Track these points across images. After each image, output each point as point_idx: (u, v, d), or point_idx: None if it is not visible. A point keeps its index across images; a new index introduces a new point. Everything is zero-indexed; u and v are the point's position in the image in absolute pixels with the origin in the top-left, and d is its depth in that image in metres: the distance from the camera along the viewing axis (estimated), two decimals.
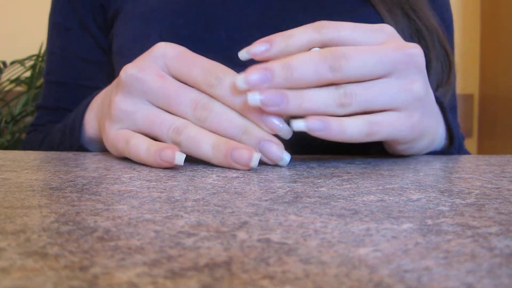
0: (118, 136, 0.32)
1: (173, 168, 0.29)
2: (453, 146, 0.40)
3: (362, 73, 0.28)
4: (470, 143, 1.56)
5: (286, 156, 0.30)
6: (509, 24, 1.47)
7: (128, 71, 0.31)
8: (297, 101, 0.28)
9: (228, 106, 0.30)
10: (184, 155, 0.28)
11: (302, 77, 0.28)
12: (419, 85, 0.30)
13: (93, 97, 0.40)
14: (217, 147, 0.29)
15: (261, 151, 0.29)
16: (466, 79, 1.58)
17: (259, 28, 0.45)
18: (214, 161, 0.29)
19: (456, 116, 0.55)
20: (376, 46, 0.29)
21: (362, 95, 0.28)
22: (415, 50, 0.29)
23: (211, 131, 0.30)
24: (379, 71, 0.28)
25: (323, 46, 0.29)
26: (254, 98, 0.28)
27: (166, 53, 0.31)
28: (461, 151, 0.42)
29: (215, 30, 0.45)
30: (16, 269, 0.12)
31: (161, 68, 0.31)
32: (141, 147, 0.30)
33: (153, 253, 0.13)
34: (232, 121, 0.29)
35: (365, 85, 0.29)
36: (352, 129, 0.29)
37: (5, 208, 0.18)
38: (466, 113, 1.57)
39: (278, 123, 0.29)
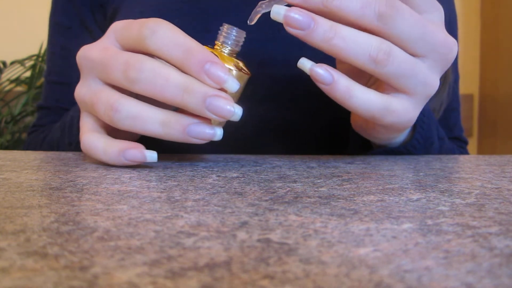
0: (80, 133, 0.30)
1: (173, 168, 0.29)
2: (414, 138, 0.38)
3: (405, 37, 0.26)
4: (470, 143, 1.56)
5: (238, 110, 0.26)
6: (509, 24, 1.47)
7: (79, 52, 0.30)
8: (327, 31, 0.25)
9: (165, 60, 0.26)
10: (156, 153, 0.27)
11: (343, 8, 0.25)
12: (437, 83, 0.29)
13: None
14: (168, 125, 0.26)
15: (208, 109, 0.25)
16: (466, 79, 1.58)
17: (256, 28, 0.45)
18: (166, 138, 0.27)
19: (459, 117, 0.55)
20: (428, 21, 0.27)
21: (400, 62, 0.27)
22: (455, 47, 0.29)
23: (146, 95, 0.26)
24: (420, 47, 0.27)
25: None
26: (278, 12, 0.26)
27: (115, 27, 0.29)
28: (430, 149, 0.40)
29: (212, 30, 0.45)
30: (16, 269, 0.12)
31: (112, 43, 0.29)
32: (97, 148, 0.28)
33: (153, 253, 0.13)
34: (169, 79, 0.25)
35: (406, 55, 0.27)
36: (360, 100, 0.27)
37: (5, 208, 0.18)
38: (466, 113, 1.57)
39: (223, 75, 0.25)
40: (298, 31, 0.26)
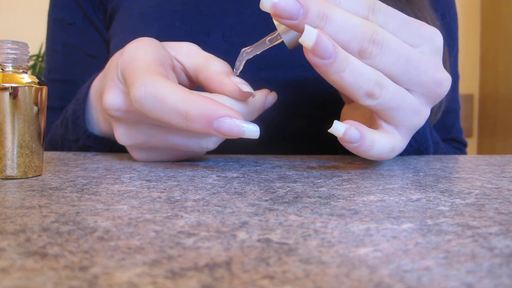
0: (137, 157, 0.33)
1: (173, 168, 0.29)
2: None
3: (387, 72, 0.26)
4: (470, 143, 1.56)
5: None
6: (509, 24, 1.47)
7: (108, 105, 0.30)
8: (342, 63, 0.25)
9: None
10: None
11: (334, 37, 0.25)
12: (427, 113, 0.29)
13: (91, 83, 0.39)
14: None
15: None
16: (466, 79, 1.58)
17: (255, 32, 0.45)
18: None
19: (458, 118, 0.55)
20: (417, 55, 0.27)
21: (391, 94, 0.27)
22: (446, 83, 0.28)
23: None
24: (405, 82, 0.27)
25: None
26: (310, 34, 0.24)
27: (118, 64, 0.30)
28: (425, 149, 0.41)
29: (212, 33, 0.45)
30: (16, 269, 0.12)
31: (123, 82, 0.30)
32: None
33: (153, 253, 0.13)
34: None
35: (396, 87, 0.27)
36: (377, 150, 0.27)
37: (5, 208, 0.18)
38: (466, 113, 1.57)
39: (234, 126, 0.26)
40: (320, 61, 0.25)
